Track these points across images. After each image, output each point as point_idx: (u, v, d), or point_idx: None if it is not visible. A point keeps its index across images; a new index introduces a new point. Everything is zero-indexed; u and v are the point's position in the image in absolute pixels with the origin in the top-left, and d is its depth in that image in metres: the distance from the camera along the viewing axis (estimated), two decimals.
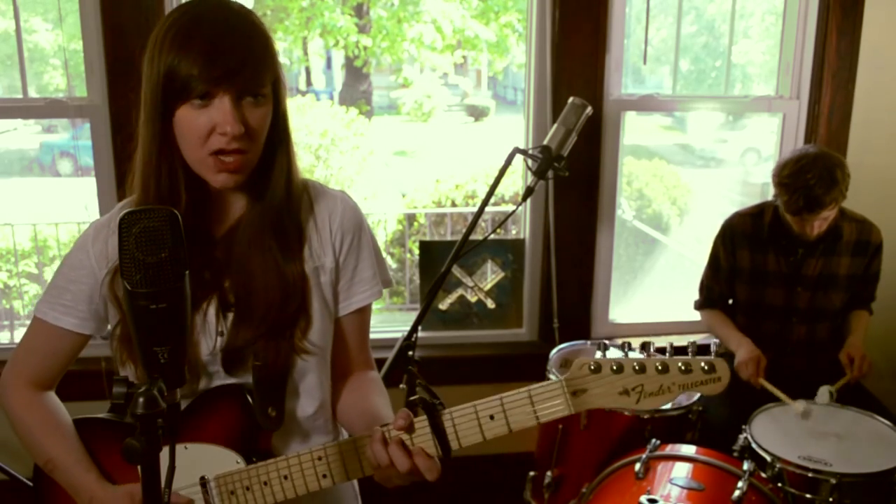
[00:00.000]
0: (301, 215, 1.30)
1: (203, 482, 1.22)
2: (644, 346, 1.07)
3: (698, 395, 2.27)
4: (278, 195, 1.25)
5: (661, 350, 1.08)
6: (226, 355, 1.24)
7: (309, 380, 1.31)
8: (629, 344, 1.08)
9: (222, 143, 1.14)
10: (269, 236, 1.24)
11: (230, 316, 1.25)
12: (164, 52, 1.13)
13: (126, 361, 1.24)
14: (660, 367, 1.04)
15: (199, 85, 1.11)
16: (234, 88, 1.13)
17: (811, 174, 2.27)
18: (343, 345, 1.37)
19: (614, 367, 1.05)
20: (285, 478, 1.19)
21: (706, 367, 1.03)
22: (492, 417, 1.09)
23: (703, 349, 2.83)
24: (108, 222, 1.29)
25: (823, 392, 2.24)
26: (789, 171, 2.33)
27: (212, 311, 1.24)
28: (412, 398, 1.11)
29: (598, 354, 1.07)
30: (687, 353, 1.06)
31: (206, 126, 1.14)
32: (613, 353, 1.08)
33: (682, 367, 1.03)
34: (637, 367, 1.04)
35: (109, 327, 1.31)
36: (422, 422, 1.11)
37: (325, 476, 1.18)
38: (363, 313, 1.38)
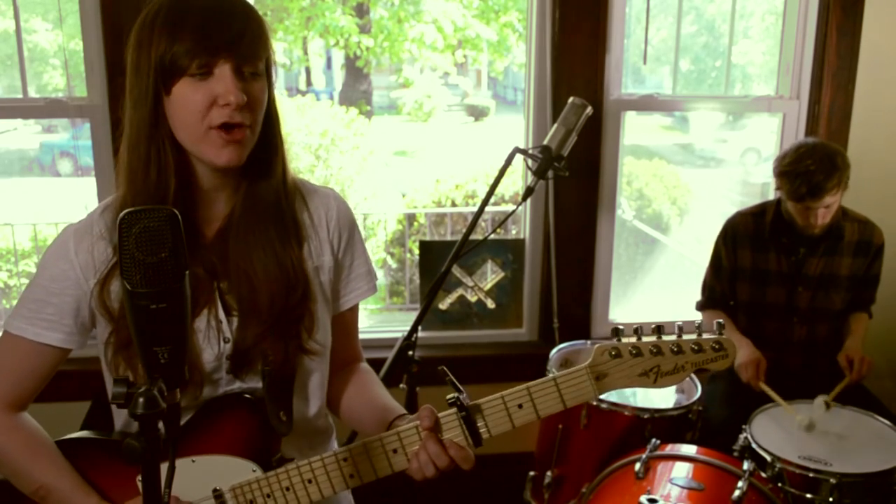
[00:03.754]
0: (297, 214, 1.29)
1: (217, 494, 1.20)
2: (656, 330, 1.14)
3: (698, 395, 2.27)
4: (275, 183, 1.24)
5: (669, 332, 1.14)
6: (234, 358, 1.22)
7: (313, 380, 1.31)
8: (641, 328, 1.14)
9: (224, 116, 1.12)
10: (265, 227, 1.23)
11: (234, 320, 1.23)
12: (155, 34, 1.11)
13: (125, 371, 1.19)
14: (675, 349, 1.11)
15: (198, 57, 1.10)
16: (234, 58, 1.11)
17: (811, 161, 2.30)
18: (341, 339, 1.38)
19: (633, 351, 1.12)
20: (309, 482, 1.18)
21: (716, 346, 1.11)
22: (520, 406, 1.14)
23: None
24: (88, 227, 1.23)
25: (819, 402, 2.20)
26: (790, 159, 2.35)
27: (214, 316, 1.22)
28: (448, 397, 1.15)
29: (614, 340, 1.14)
30: (694, 335, 1.14)
31: (205, 99, 1.11)
32: (628, 338, 1.15)
33: (695, 347, 1.11)
34: (654, 350, 1.11)
35: (95, 336, 1.26)
36: (450, 414, 1.15)
37: (352, 476, 1.18)
38: (355, 307, 1.40)
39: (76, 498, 1.21)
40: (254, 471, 1.20)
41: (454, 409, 1.14)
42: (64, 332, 1.23)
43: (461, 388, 1.16)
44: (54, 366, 1.26)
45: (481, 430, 1.15)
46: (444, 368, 1.22)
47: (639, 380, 1.12)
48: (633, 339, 1.13)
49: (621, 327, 1.15)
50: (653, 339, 1.12)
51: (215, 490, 1.20)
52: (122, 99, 1.17)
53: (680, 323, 1.14)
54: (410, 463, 1.15)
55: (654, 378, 1.12)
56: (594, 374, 1.12)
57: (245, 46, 1.12)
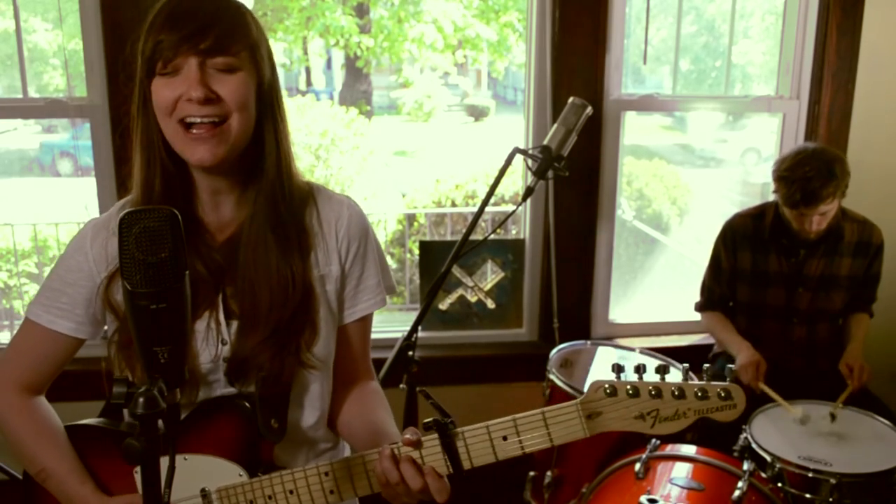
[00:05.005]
0: (306, 220, 1.28)
1: (204, 494, 1.20)
2: (659, 370, 1.06)
3: None
4: (269, 184, 1.22)
5: (677, 358, 1.07)
6: (231, 366, 1.22)
7: (312, 390, 1.30)
8: (644, 367, 1.07)
9: (188, 111, 1.12)
10: (267, 236, 1.22)
11: (234, 324, 1.23)
12: (141, 38, 1.14)
13: (125, 369, 1.21)
14: (676, 393, 1.02)
15: (164, 53, 1.11)
16: (198, 51, 1.11)
17: (809, 167, 2.28)
18: (346, 352, 1.35)
19: (630, 391, 1.04)
20: (291, 492, 1.17)
21: (722, 394, 1.02)
22: (504, 438, 1.08)
23: (703, 350, 2.83)
24: (106, 223, 1.27)
25: (825, 413, 2.22)
26: (788, 164, 2.34)
27: (214, 319, 1.22)
28: (426, 421, 1.09)
29: (613, 377, 1.06)
30: (702, 378, 1.06)
31: (172, 95, 1.12)
32: (628, 376, 1.07)
33: (699, 394, 1.02)
34: (653, 392, 1.03)
35: (105, 329, 1.29)
36: (432, 439, 1.10)
37: (332, 492, 1.16)
38: (366, 321, 1.37)
39: (71, 483, 1.24)
40: (240, 475, 1.20)
41: (435, 435, 1.09)
42: (76, 321, 1.26)
43: (447, 412, 1.11)
44: (68, 353, 1.29)
45: (462, 459, 1.09)
46: (426, 391, 1.19)
47: (635, 422, 1.04)
48: (634, 378, 1.05)
49: (622, 364, 1.08)
50: (655, 379, 1.04)
51: (202, 490, 1.20)
52: (132, 104, 1.20)
53: (687, 365, 1.07)
54: (379, 478, 1.11)
55: (651, 423, 1.03)
56: (586, 412, 1.05)
57: (210, 40, 1.11)
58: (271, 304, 1.21)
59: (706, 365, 1.08)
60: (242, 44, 1.15)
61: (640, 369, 1.06)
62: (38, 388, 1.31)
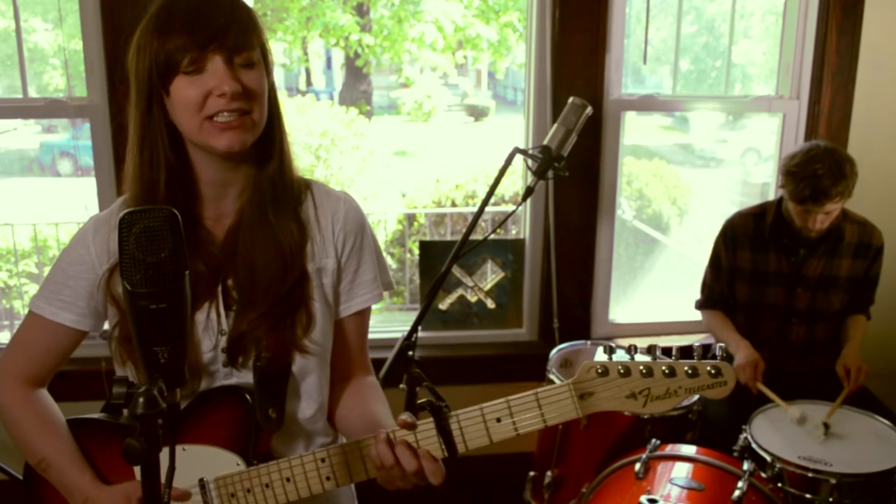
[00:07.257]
0: (303, 213, 1.30)
1: (202, 484, 1.21)
2: (650, 349, 1.07)
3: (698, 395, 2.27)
4: (272, 169, 1.25)
5: (667, 352, 1.08)
6: (230, 345, 1.24)
7: (309, 381, 1.30)
8: (635, 346, 1.08)
9: (220, 106, 1.14)
10: (265, 212, 1.24)
11: (232, 314, 1.24)
12: (148, 37, 1.15)
13: (126, 362, 1.23)
14: (666, 371, 1.04)
15: (189, 52, 1.12)
16: (225, 48, 1.13)
17: (820, 165, 2.28)
18: (343, 346, 1.36)
19: (621, 371, 1.05)
20: (287, 480, 1.18)
21: (713, 371, 1.03)
22: (498, 420, 1.09)
23: (705, 350, 2.83)
24: (107, 218, 1.28)
25: (818, 424, 2.16)
26: (799, 160, 2.33)
27: (214, 309, 1.24)
28: (419, 401, 1.11)
29: (605, 357, 1.08)
30: (692, 356, 1.07)
31: (200, 93, 1.13)
32: (620, 356, 1.08)
33: (689, 371, 1.04)
34: (644, 371, 1.04)
35: (107, 325, 1.30)
36: (427, 423, 1.11)
37: (328, 478, 1.17)
38: (363, 316, 1.38)
39: (70, 473, 1.25)
40: (237, 464, 1.21)
41: (431, 419, 1.10)
42: (77, 313, 1.28)
43: (441, 396, 1.12)
44: (70, 346, 1.31)
45: (457, 442, 1.10)
46: (421, 373, 1.19)
47: (627, 402, 1.05)
48: (625, 358, 1.06)
49: (613, 345, 1.09)
50: (646, 358, 1.06)
51: (200, 480, 1.21)
52: (128, 103, 1.20)
53: (679, 344, 1.07)
54: (374, 462, 1.12)
55: (643, 401, 1.05)
56: (578, 392, 1.06)
57: (233, 37, 1.14)
58: (270, 278, 1.22)
59: (696, 342, 1.09)
60: (257, 40, 1.19)
61: (630, 349, 1.07)
62: (40, 380, 1.33)
